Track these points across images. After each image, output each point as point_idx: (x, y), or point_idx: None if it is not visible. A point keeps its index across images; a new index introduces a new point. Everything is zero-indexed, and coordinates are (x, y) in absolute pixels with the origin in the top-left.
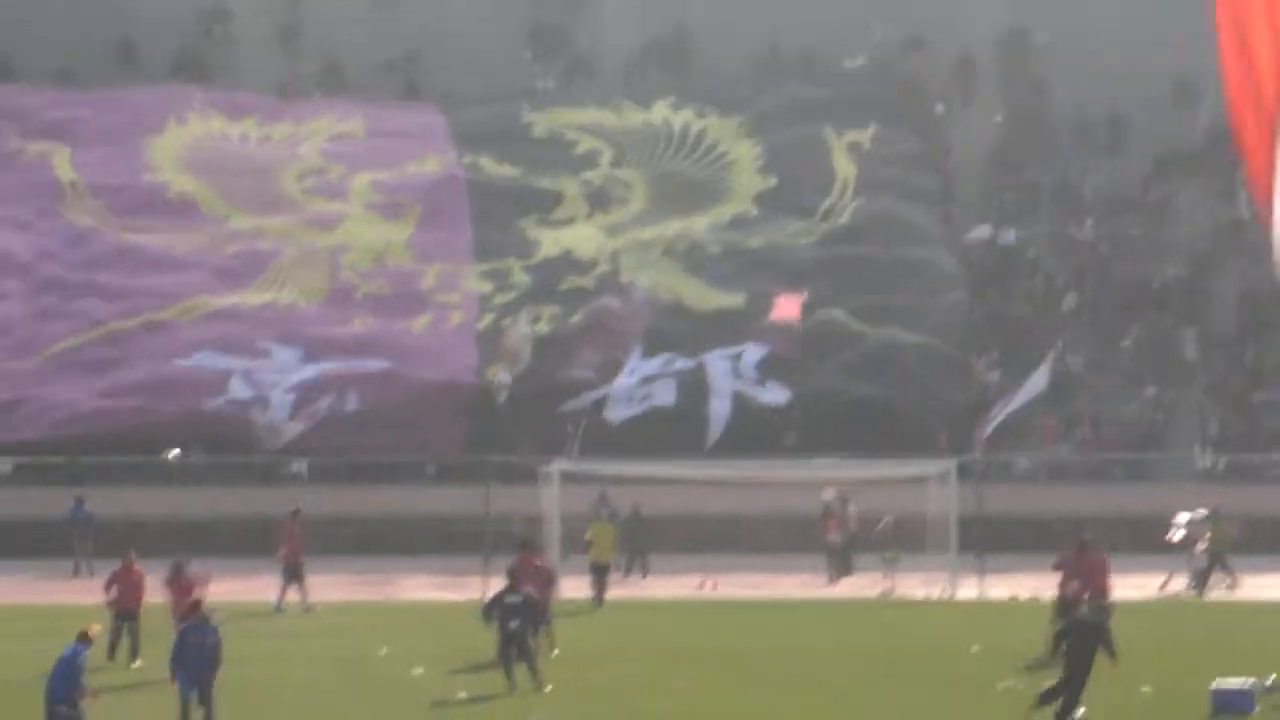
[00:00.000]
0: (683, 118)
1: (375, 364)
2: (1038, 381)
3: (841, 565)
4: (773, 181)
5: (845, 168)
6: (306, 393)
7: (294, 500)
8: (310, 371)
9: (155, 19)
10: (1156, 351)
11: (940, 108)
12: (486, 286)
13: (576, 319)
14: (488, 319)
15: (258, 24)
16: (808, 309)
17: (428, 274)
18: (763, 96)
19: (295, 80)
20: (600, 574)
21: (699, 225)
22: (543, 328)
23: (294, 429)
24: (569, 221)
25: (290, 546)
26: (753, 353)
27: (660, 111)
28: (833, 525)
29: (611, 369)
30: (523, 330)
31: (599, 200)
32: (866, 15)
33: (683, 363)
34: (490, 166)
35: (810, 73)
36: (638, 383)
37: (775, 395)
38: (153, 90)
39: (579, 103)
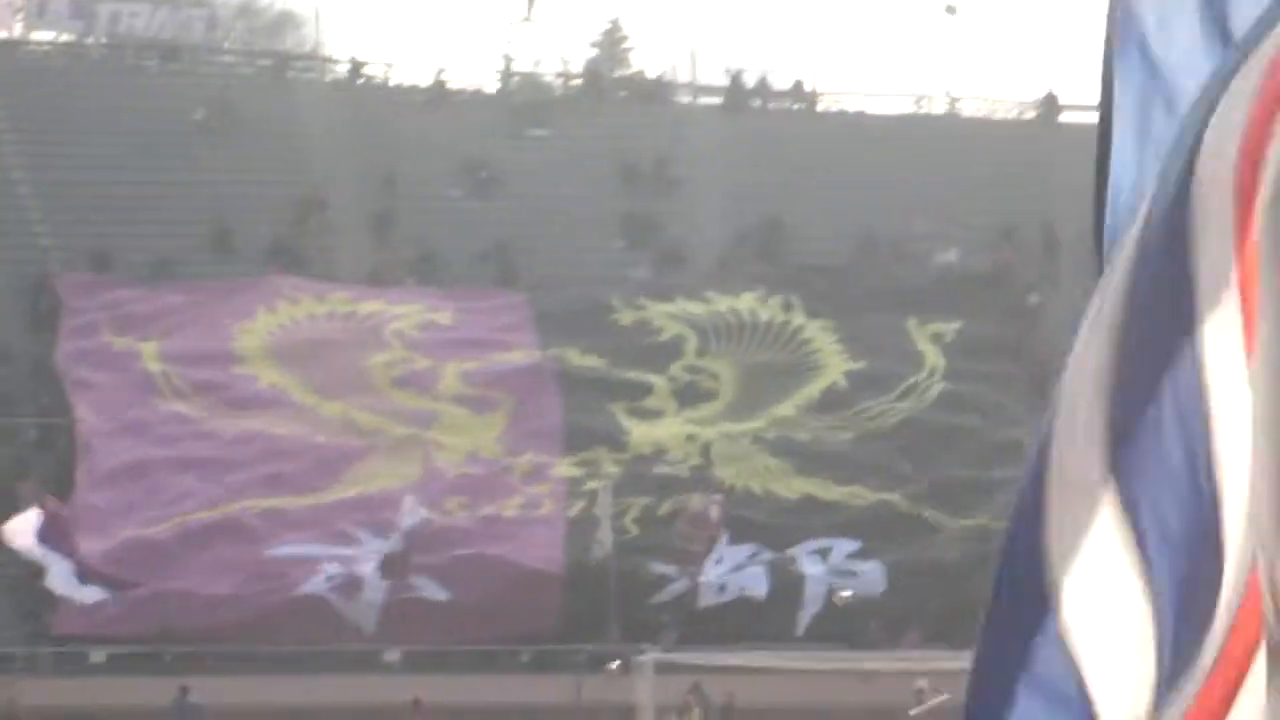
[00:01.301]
0: (770, 308)
1: (467, 551)
2: None
3: None
4: (859, 368)
5: (933, 357)
6: (399, 579)
7: (409, 689)
8: (402, 559)
9: (251, 208)
10: None
11: (1033, 298)
12: (577, 473)
13: (664, 510)
14: (578, 506)
15: (352, 212)
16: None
17: (520, 463)
18: (851, 286)
19: (388, 268)
20: None
21: (787, 409)
22: (634, 517)
23: (386, 617)
24: (658, 414)
25: None
26: (844, 545)
27: (748, 301)
28: (920, 716)
29: (698, 559)
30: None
31: (687, 394)
32: (959, 205)
33: (772, 554)
34: (575, 357)
35: (902, 263)
36: (728, 571)
37: (868, 585)
38: (244, 281)
39: (667, 292)
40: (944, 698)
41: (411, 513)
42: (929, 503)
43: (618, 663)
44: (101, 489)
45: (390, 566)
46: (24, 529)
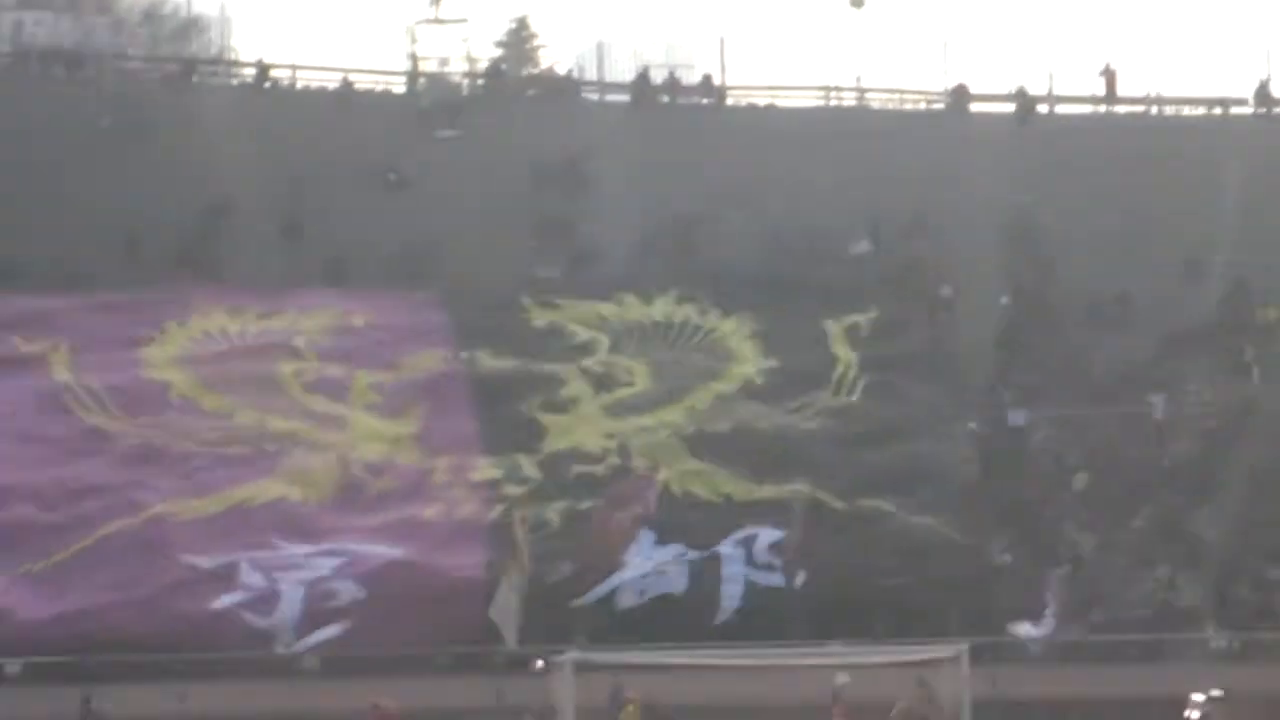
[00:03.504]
0: (683, 307)
1: (386, 554)
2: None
3: None
4: (775, 363)
5: (846, 353)
6: (316, 586)
7: (327, 696)
8: (320, 565)
9: (158, 214)
10: (1168, 531)
11: (946, 289)
12: (495, 474)
13: (586, 506)
14: (498, 509)
15: (260, 217)
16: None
17: (437, 468)
18: (764, 282)
19: (297, 273)
20: None
21: (704, 406)
22: (554, 519)
23: (305, 625)
24: (573, 404)
25: None
26: (766, 536)
27: (662, 306)
28: (840, 710)
29: (615, 562)
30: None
31: (602, 383)
32: (871, 198)
33: (694, 553)
34: (488, 360)
35: (813, 257)
36: (649, 571)
37: (787, 578)
38: (153, 292)
39: (580, 293)
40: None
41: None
42: (848, 496)
43: (542, 662)
44: (22, 498)
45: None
46: None
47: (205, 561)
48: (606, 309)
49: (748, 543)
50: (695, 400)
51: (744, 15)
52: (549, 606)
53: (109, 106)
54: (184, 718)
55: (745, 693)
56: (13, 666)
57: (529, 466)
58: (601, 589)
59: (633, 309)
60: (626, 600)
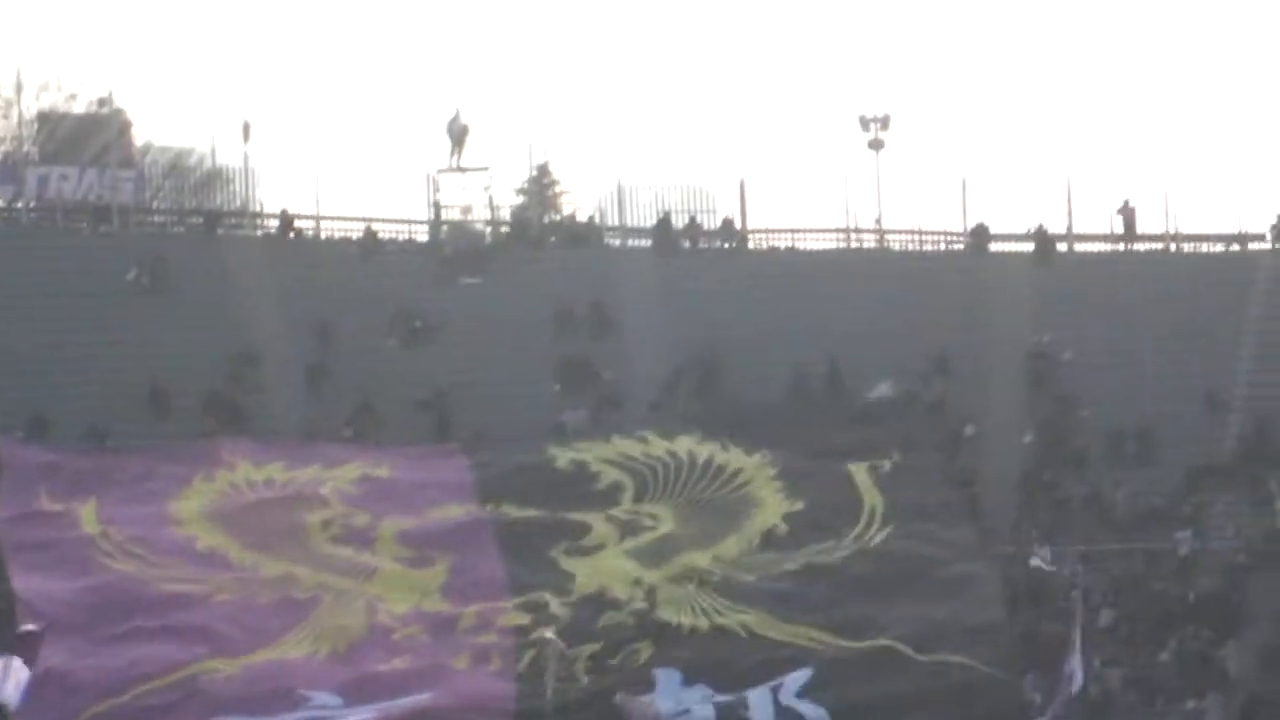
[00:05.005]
0: (706, 449)
1: (415, 703)
2: (1075, 679)
3: None
4: (800, 505)
5: (871, 495)
6: None
7: None
8: (349, 717)
9: (185, 366)
10: (1196, 665)
11: (969, 429)
12: (524, 619)
13: (614, 659)
14: (527, 656)
15: (286, 366)
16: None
17: (464, 616)
18: (788, 423)
19: (323, 422)
20: None
21: (730, 549)
22: (583, 669)
23: None
24: (599, 548)
25: None
26: (793, 681)
27: (684, 445)
28: None
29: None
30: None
31: (628, 528)
32: (892, 339)
33: (722, 696)
34: (514, 510)
35: (837, 398)
36: (675, 712)
37: None
38: (180, 448)
39: (604, 436)
40: None
41: None
42: (879, 639)
43: None
44: (56, 650)
45: None
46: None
47: (237, 717)
48: (630, 449)
49: (775, 685)
50: (719, 548)
51: (764, 157)
52: None
53: (134, 260)
54: None
55: None
56: None
57: (556, 606)
58: None
59: (655, 447)
60: None
